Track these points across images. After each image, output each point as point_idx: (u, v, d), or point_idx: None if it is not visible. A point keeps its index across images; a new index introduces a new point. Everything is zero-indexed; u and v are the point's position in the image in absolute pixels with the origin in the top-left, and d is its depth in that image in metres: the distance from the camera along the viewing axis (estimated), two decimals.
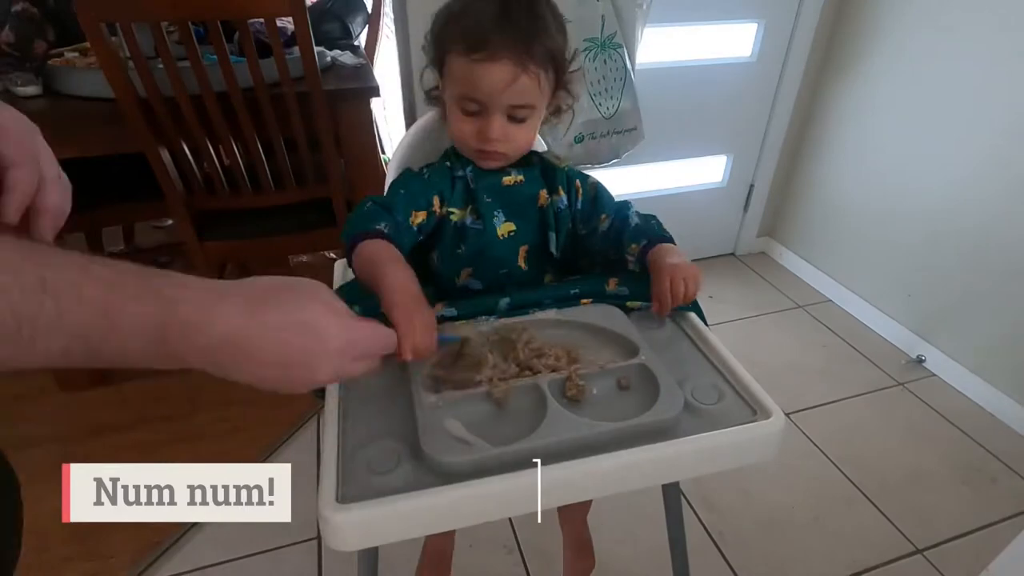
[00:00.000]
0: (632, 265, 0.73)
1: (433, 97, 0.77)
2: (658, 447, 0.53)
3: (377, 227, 0.65)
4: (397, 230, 0.67)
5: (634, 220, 0.76)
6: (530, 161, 0.77)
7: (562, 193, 0.77)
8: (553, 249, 0.77)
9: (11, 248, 0.31)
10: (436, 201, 0.73)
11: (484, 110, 0.67)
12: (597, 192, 0.79)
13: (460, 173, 0.75)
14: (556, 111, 0.75)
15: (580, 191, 0.78)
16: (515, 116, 0.68)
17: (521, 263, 0.76)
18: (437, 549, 1.02)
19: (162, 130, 1.18)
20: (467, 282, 0.77)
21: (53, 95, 1.22)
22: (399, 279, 0.58)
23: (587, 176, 0.80)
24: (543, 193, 0.76)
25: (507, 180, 0.75)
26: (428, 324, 0.55)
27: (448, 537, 1.02)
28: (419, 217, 0.71)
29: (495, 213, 0.74)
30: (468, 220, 0.74)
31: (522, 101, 0.67)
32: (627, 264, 0.74)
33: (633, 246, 0.73)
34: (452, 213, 0.74)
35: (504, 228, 0.74)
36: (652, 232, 0.73)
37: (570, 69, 0.71)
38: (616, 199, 0.80)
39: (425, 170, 0.76)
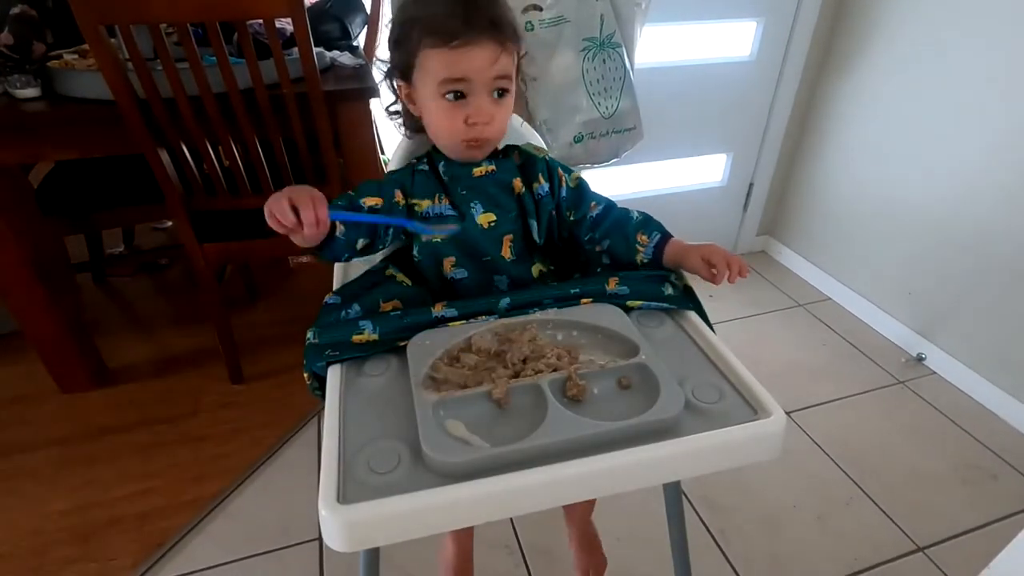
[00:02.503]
0: (643, 255, 0.75)
1: (392, 113, 0.79)
2: (659, 446, 0.53)
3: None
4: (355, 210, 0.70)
5: (635, 214, 0.78)
6: (507, 153, 0.78)
7: (543, 180, 0.77)
8: (536, 236, 0.77)
9: None
10: (398, 194, 0.74)
11: (469, 92, 0.68)
12: (581, 184, 0.81)
13: (422, 167, 0.76)
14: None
15: (563, 180, 0.79)
16: (499, 89, 0.69)
17: (506, 253, 0.77)
18: (460, 549, 1.01)
19: (161, 132, 1.18)
20: (453, 273, 0.77)
21: (52, 97, 1.22)
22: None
23: (570, 169, 0.81)
24: (517, 181, 0.77)
25: (478, 171, 0.76)
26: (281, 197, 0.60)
27: (469, 536, 1.02)
28: (371, 200, 0.72)
29: (472, 204, 0.75)
30: (443, 208, 0.75)
31: (504, 72, 0.68)
32: (634, 252, 0.76)
33: (643, 236, 0.75)
34: (416, 204, 0.75)
35: (483, 218, 0.75)
36: (661, 227, 0.76)
37: (521, 53, 0.73)
38: (599, 195, 0.82)
39: (390, 172, 0.79)
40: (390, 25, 0.72)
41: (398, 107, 0.79)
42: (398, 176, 0.76)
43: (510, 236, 0.76)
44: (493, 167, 0.76)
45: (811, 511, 1.27)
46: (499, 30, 0.66)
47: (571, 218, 0.80)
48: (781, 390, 1.58)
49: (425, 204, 0.75)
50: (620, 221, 0.78)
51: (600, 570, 1.06)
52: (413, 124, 0.79)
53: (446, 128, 0.71)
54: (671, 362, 0.62)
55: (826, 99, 1.91)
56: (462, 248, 0.76)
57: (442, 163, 0.76)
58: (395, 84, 0.75)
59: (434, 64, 0.67)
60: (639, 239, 0.75)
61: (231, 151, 1.25)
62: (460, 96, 0.68)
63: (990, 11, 1.42)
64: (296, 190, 0.61)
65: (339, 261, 0.75)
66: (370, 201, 0.72)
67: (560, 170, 0.79)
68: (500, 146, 0.79)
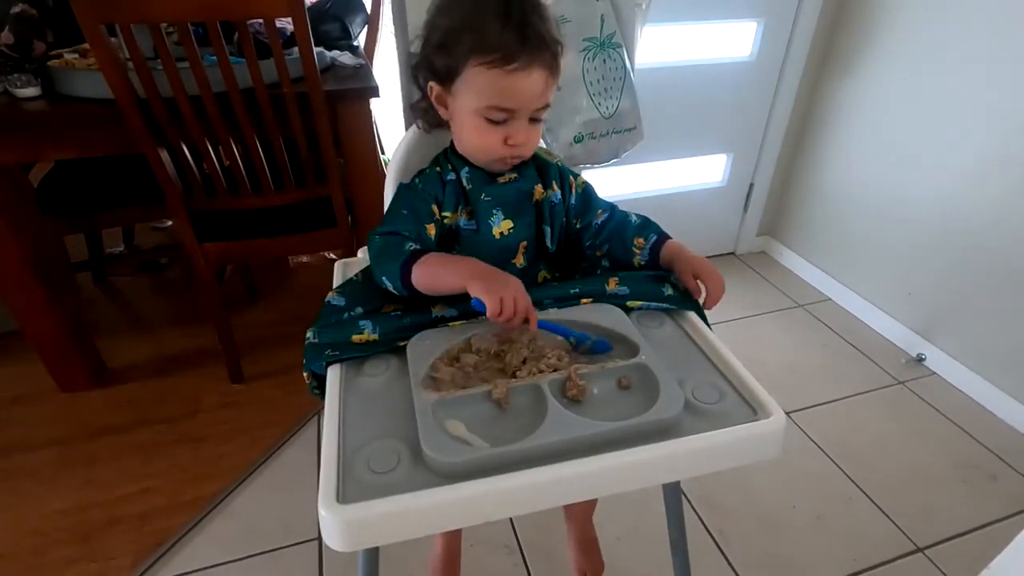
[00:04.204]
0: (640, 258, 0.76)
1: (422, 109, 0.77)
2: (658, 446, 0.53)
3: (409, 248, 0.66)
4: (423, 243, 0.69)
5: (634, 217, 0.79)
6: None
7: (556, 188, 0.77)
8: (548, 243, 0.77)
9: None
10: (435, 209, 0.74)
11: (511, 118, 0.67)
12: (587, 189, 0.81)
13: (450, 177, 0.75)
14: None
15: (573, 186, 0.79)
16: (536, 117, 0.69)
17: (519, 260, 0.77)
18: (449, 547, 1.02)
19: (162, 131, 1.18)
20: None
21: (53, 96, 1.22)
22: (465, 268, 0.62)
23: (577, 173, 0.81)
24: (538, 188, 0.77)
25: (502, 179, 0.75)
26: (512, 288, 0.59)
27: (457, 534, 1.03)
28: (432, 230, 0.72)
29: (493, 212, 0.74)
30: (461, 222, 0.75)
31: (545, 103, 0.68)
32: (632, 256, 0.76)
33: (639, 240, 0.75)
34: (446, 217, 0.74)
35: (503, 226, 0.75)
36: (658, 229, 0.77)
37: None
38: (603, 200, 0.82)
39: (417, 180, 0.76)
40: (428, 23, 0.69)
41: (426, 106, 0.76)
42: (431, 188, 0.74)
43: (524, 243, 0.77)
44: (516, 175, 0.76)
45: (811, 511, 1.27)
46: (551, 51, 0.65)
47: (577, 226, 0.79)
48: (781, 390, 1.58)
49: (450, 218, 0.74)
50: (619, 226, 0.78)
51: (597, 573, 1.07)
52: (435, 120, 0.77)
53: (481, 145, 0.70)
54: (671, 362, 0.62)
55: (826, 100, 1.91)
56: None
57: (465, 169, 0.74)
58: (427, 83, 0.72)
59: (484, 84, 0.65)
60: (636, 243, 0.75)
61: (231, 151, 1.25)
62: (504, 119, 0.67)
63: (990, 12, 1.42)
64: (511, 284, 0.60)
65: None
66: (431, 230, 0.72)
67: (571, 177, 0.80)
68: None
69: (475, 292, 0.59)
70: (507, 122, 0.67)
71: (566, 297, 0.71)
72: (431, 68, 0.70)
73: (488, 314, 0.58)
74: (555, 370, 0.60)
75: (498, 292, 0.58)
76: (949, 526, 1.25)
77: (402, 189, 0.76)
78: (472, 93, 0.67)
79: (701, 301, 0.72)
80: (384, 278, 0.67)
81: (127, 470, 1.34)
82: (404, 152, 0.86)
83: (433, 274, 0.64)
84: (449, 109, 0.72)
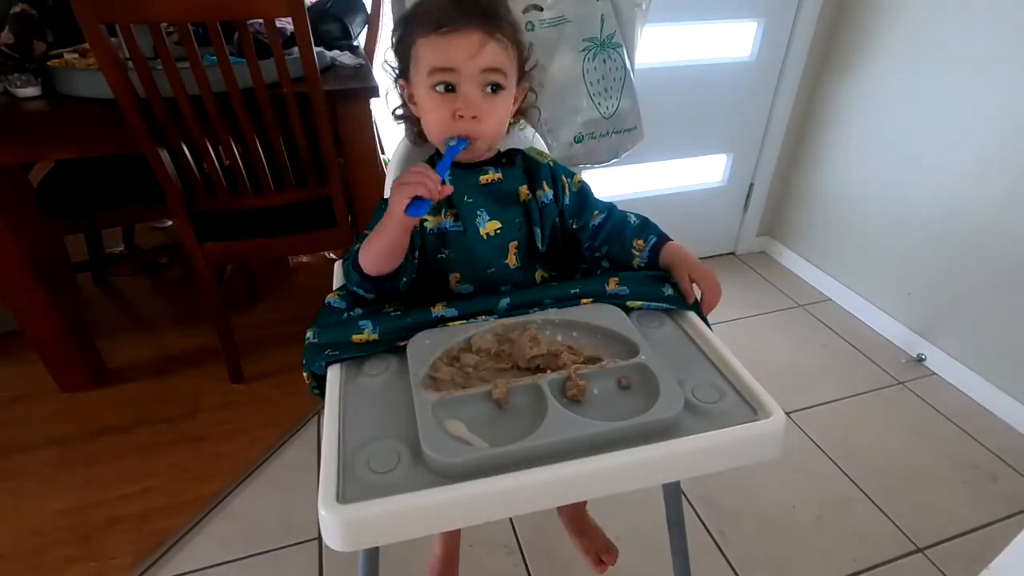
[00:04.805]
0: (639, 259, 0.75)
1: (400, 116, 0.79)
2: (658, 446, 0.53)
3: (356, 247, 0.69)
4: None
5: (632, 218, 0.78)
6: (512, 159, 0.78)
7: (547, 188, 0.77)
8: (539, 243, 0.77)
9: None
10: None
11: (457, 84, 0.67)
12: (583, 189, 0.80)
13: None
14: (519, 111, 0.77)
15: (567, 186, 0.78)
16: (489, 82, 0.68)
17: (511, 260, 0.76)
18: (447, 549, 1.02)
19: (162, 131, 1.18)
20: (458, 288, 0.77)
21: (53, 96, 1.22)
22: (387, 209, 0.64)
23: (573, 172, 0.81)
24: (523, 189, 0.76)
25: (484, 178, 0.75)
26: (411, 175, 0.62)
27: (456, 536, 1.03)
28: None
29: (478, 213, 0.74)
30: (447, 224, 0.75)
31: (494, 64, 0.67)
32: (631, 257, 0.76)
33: (639, 241, 0.75)
34: (426, 221, 0.74)
35: (489, 227, 0.74)
36: (657, 230, 0.76)
37: (527, 65, 0.74)
38: (601, 200, 0.82)
39: None
40: (392, 30, 0.73)
41: (405, 112, 0.78)
42: None
43: (515, 243, 0.76)
44: (500, 175, 0.75)
45: (811, 511, 1.27)
46: (490, 20, 0.67)
47: (573, 226, 0.79)
48: (781, 390, 1.58)
49: (432, 222, 0.74)
50: (618, 227, 0.77)
51: (605, 549, 1.05)
52: (419, 128, 0.78)
53: (436, 122, 0.70)
54: (671, 362, 0.62)
55: (826, 100, 1.91)
56: (466, 262, 0.76)
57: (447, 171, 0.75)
58: (399, 86, 0.75)
59: (423, 53, 0.67)
60: (635, 244, 0.75)
61: (231, 150, 1.25)
62: (450, 89, 0.68)
63: (990, 12, 1.42)
64: (410, 178, 0.62)
65: (395, 290, 0.72)
66: None
67: (564, 176, 0.79)
68: (502, 148, 0.78)
69: (394, 207, 0.62)
70: (456, 92, 0.68)
71: (566, 297, 0.70)
72: (395, 68, 0.73)
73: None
74: (555, 370, 0.60)
75: (401, 188, 0.61)
76: (949, 526, 1.25)
77: (379, 204, 0.77)
78: (419, 68, 0.69)
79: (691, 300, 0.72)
80: (352, 286, 0.70)
81: (127, 470, 1.34)
82: (403, 153, 0.86)
83: (371, 240, 0.66)
84: (415, 103, 0.73)
